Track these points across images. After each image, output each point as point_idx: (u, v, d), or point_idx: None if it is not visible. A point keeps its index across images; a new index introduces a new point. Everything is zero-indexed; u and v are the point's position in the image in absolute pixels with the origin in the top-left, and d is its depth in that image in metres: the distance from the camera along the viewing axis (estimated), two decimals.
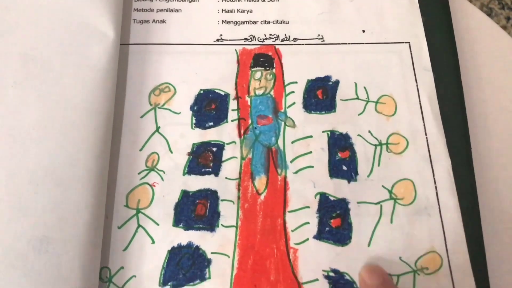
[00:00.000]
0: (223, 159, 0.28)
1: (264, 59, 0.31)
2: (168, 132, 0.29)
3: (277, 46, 0.32)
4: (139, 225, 0.27)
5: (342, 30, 0.32)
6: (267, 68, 0.31)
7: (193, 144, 0.29)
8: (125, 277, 0.25)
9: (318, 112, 0.30)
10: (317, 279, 0.26)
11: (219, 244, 0.26)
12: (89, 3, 0.28)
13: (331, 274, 0.26)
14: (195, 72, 0.31)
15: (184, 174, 0.28)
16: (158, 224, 0.27)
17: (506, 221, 0.28)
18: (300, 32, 0.32)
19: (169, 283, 0.25)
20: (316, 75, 0.31)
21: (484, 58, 0.32)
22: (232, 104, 0.30)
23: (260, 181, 0.28)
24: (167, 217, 0.27)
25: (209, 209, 0.27)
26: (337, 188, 0.28)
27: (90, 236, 0.24)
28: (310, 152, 0.29)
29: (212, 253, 0.26)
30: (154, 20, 0.32)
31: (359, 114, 0.30)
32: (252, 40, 0.32)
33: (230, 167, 0.28)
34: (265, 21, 0.32)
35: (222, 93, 0.30)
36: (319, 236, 0.27)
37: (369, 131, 0.29)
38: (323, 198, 0.27)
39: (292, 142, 0.29)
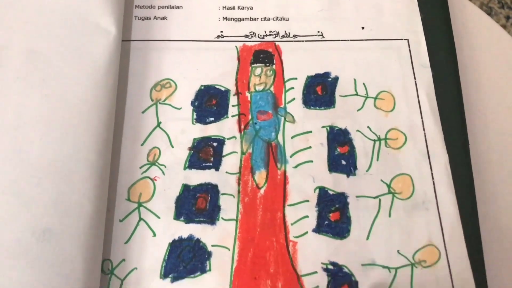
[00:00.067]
0: (224, 153, 0.29)
1: (264, 55, 0.31)
2: (169, 127, 0.29)
3: (277, 43, 0.32)
4: (140, 218, 0.27)
5: (341, 27, 0.32)
6: (267, 64, 0.31)
7: (194, 139, 0.29)
8: (127, 269, 0.26)
9: (317, 107, 0.30)
10: (316, 272, 0.26)
11: (220, 237, 0.27)
12: (91, 0, 0.29)
13: (330, 266, 0.26)
14: (196, 68, 0.31)
15: (185, 168, 0.28)
16: (159, 218, 0.27)
17: (503, 214, 0.28)
18: (300, 29, 0.32)
19: (170, 275, 0.26)
20: (316, 71, 0.31)
21: (482, 55, 0.33)
22: (233, 100, 0.30)
23: (260, 176, 0.28)
24: (168, 211, 0.27)
25: (209, 203, 0.27)
26: (336, 183, 0.28)
27: (92, 228, 0.24)
28: (310, 147, 0.29)
29: (212, 245, 0.26)
30: (155, 16, 0.32)
31: (358, 110, 0.30)
32: (252, 36, 0.32)
33: (231, 162, 0.28)
34: (265, 18, 0.33)
35: (223, 89, 0.30)
36: (318, 229, 0.27)
37: (368, 127, 0.30)
38: (322, 192, 0.28)
39: (292, 137, 0.29)
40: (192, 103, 0.30)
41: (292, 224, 0.27)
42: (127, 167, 0.28)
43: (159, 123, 0.29)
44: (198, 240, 0.26)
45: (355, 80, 0.31)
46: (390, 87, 0.31)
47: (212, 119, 0.30)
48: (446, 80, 0.31)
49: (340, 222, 0.27)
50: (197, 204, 0.27)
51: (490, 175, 0.29)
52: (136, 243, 0.26)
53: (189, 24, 0.32)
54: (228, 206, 0.27)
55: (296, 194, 0.28)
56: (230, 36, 0.32)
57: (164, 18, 0.32)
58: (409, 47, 0.32)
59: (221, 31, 0.32)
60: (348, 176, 0.28)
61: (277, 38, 0.32)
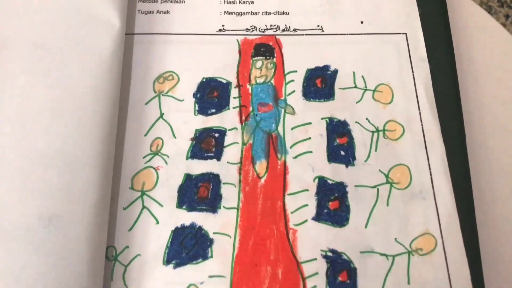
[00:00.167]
0: (225, 144, 0.29)
1: (265, 48, 0.32)
2: (172, 119, 0.30)
3: (277, 37, 0.33)
4: (143, 207, 0.27)
5: (341, 21, 0.33)
6: (268, 58, 0.32)
7: (196, 130, 0.30)
8: (130, 256, 0.26)
9: (317, 100, 0.31)
10: (315, 259, 0.27)
11: (221, 224, 0.27)
12: None
13: (329, 253, 0.27)
14: (198, 61, 0.32)
15: (187, 158, 0.29)
16: (162, 206, 0.27)
17: (498, 204, 0.29)
18: (300, 23, 0.33)
19: (173, 262, 0.26)
20: (316, 64, 0.32)
21: (479, 49, 0.33)
22: (234, 92, 0.31)
23: (261, 166, 0.29)
24: (170, 199, 0.28)
25: (211, 192, 0.28)
26: (335, 172, 0.29)
27: (96, 215, 0.25)
28: (309, 138, 0.30)
29: (214, 233, 0.27)
30: (158, 10, 0.33)
31: (357, 102, 0.31)
32: (253, 30, 0.33)
33: (232, 152, 0.29)
34: (266, 12, 0.33)
35: (224, 81, 0.31)
36: (318, 217, 0.27)
37: (367, 118, 0.30)
38: (322, 182, 0.28)
39: (292, 129, 0.30)
40: (194, 95, 0.31)
41: (292, 213, 0.28)
42: (131, 156, 0.29)
43: (162, 114, 0.30)
44: (200, 228, 0.27)
45: (354, 73, 0.31)
46: (388, 80, 0.31)
47: (213, 110, 0.30)
48: (443, 73, 0.32)
49: (339, 211, 0.28)
50: (199, 193, 0.28)
51: (486, 166, 0.30)
52: (139, 230, 0.27)
53: (191, 18, 0.33)
54: (230, 195, 0.28)
55: (296, 183, 0.28)
56: (232, 30, 0.33)
57: (167, 12, 0.33)
58: (407, 41, 0.33)
59: (223, 25, 0.33)
60: (347, 166, 0.29)
61: (278, 32, 0.33)
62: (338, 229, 0.27)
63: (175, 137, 0.29)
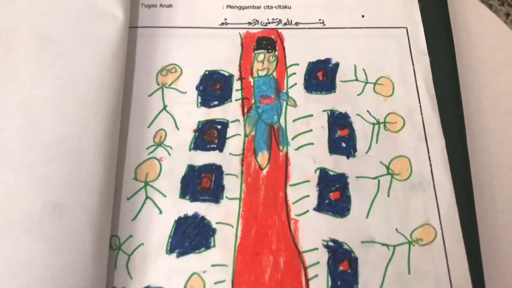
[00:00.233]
0: (227, 136, 0.30)
1: (267, 42, 0.32)
2: (175, 110, 0.30)
3: (279, 30, 0.33)
4: (147, 197, 0.28)
5: (342, 15, 0.33)
6: (270, 51, 0.32)
7: (199, 121, 0.30)
8: (134, 245, 0.27)
9: (318, 92, 0.31)
10: (316, 248, 0.27)
11: (224, 214, 0.27)
12: None
13: (330, 243, 0.27)
14: (200, 54, 0.32)
15: (190, 149, 0.29)
16: (165, 196, 0.28)
17: (497, 196, 0.29)
18: (301, 16, 0.33)
19: (176, 251, 0.27)
20: (317, 57, 0.32)
21: (479, 42, 0.34)
22: (236, 85, 0.31)
23: (263, 157, 0.29)
24: (174, 190, 0.28)
25: (214, 182, 0.28)
26: (337, 164, 0.29)
27: (100, 204, 0.25)
28: (311, 130, 0.30)
29: (217, 223, 0.27)
30: (161, 4, 0.33)
31: (358, 95, 0.31)
32: (255, 24, 0.33)
33: (234, 144, 0.29)
34: (268, 6, 0.34)
35: (227, 74, 0.31)
36: (319, 208, 0.28)
37: (368, 111, 0.30)
38: (323, 173, 0.29)
39: (294, 121, 0.30)
40: (197, 88, 0.31)
41: (293, 203, 0.28)
42: (134, 148, 0.29)
43: (165, 106, 0.30)
44: (203, 218, 0.27)
45: (355, 66, 0.32)
46: (389, 73, 0.32)
47: (216, 102, 0.31)
48: (443, 66, 0.32)
49: (340, 201, 0.28)
50: (202, 183, 0.28)
51: (485, 158, 0.30)
52: (143, 220, 0.27)
53: (193, 11, 0.33)
54: (232, 185, 0.28)
55: (298, 174, 0.29)
56: (234, 24, 0.33)
57: (170, 6, 0.33)
58: (407, 35, 0.33)
59: (225, 19, 0.33)
60: (348, 157, 0.29)
61: (280, 26, 0.33)
62: (339, 220, 0.28)
63: (178, 129, 0.30)
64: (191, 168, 0.29)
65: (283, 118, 0.30)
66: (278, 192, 0.28)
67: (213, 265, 0.26)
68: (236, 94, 0.31)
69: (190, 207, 0.28)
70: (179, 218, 0.27)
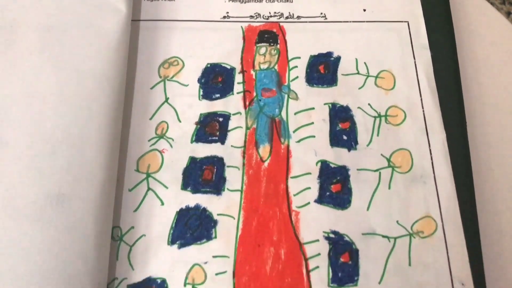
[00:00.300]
0: (229, 128, 0.30)
1: (268, 35, 0.32)
2: (177, 103, 0.30)
3: (281, 24, 0.33)
4: (149, 188, 0.28)
5: (344, 9, 0.33)
6: (272, 44, 0.32)
7: (201, 114, 0.30)
8: (136, 236, 0.27)
9: (320, 85, 0.31)
10: (317, 240, 0.27)
11: (225, 206, 0.28)
12: None
13: (331, 235, 0.27)
14: (202, 47, 0.32)
15: (192, 142, 0.29)
16: (167, 188, 0.28)
17: (498, 188, 0.29)
18: (303, 10, 0.33)
19: (177, 242, 0.27)
20: (319, 51, 0.32)
21: (480, 36, 0.34)
22: (238, 78, 0.31)
23: (264, 149, 0.29)
24: (175, 181, 0.28)
25: (215, 174, 0.28)
26: (338, 156, 0.29)
27: (102, 195, 0.26)
28: (312, 123, 0.30)
29: (218, 214, 0.27)
30: None
31: (359, 88, 0.31)
32: (257, 17, 0.33)
33: (236, 136, 0.29)
34: None
35: (228, 67, 0.31)
36: (320, 200, 0.28)
37: (369, 104, 0.31)
38: (324, 166, 0.29)
39: (295, 114, 0.30)
40: (199, 80, 0.31)
41: (294, 195, 0.28)
42: (136, 139, 0.29)
43: (167, 99, 0.30)
44: (204, 209, 0.27)
45: (356, 59, 0.32)
46: (390, 67, 0.32)
47: (218, 95, 0.31)
48: (444, 60, 0.32)
49: (342, 193, 0.28)
50: (203, 175, 0.28)
51: (486, 151, 0.30)
52: (144, 211, 0.27)
53: (196, 5, 0.33)
54: (233, 177, 0.28)
55: (299, 167, 0.29)
56: (236, 17, 0.33)
57: None
58: (409, 29, 0.33)
59: (227, 12, 0.33)
60: (349, 150, 0.29)
61: (281, 19, 0.33)
62: (340, 212, 0.28)
63: (180, 121, 0.30)
64: (192, 160, 0.29)
65: (285, 111, 0.30)
66: (279, 184, 0.28)
67: (214, 256, 0.26)
68: (238, 87, 0.31)
69: (191, 199, 0.28)
70: (181, 209, 0.27)
